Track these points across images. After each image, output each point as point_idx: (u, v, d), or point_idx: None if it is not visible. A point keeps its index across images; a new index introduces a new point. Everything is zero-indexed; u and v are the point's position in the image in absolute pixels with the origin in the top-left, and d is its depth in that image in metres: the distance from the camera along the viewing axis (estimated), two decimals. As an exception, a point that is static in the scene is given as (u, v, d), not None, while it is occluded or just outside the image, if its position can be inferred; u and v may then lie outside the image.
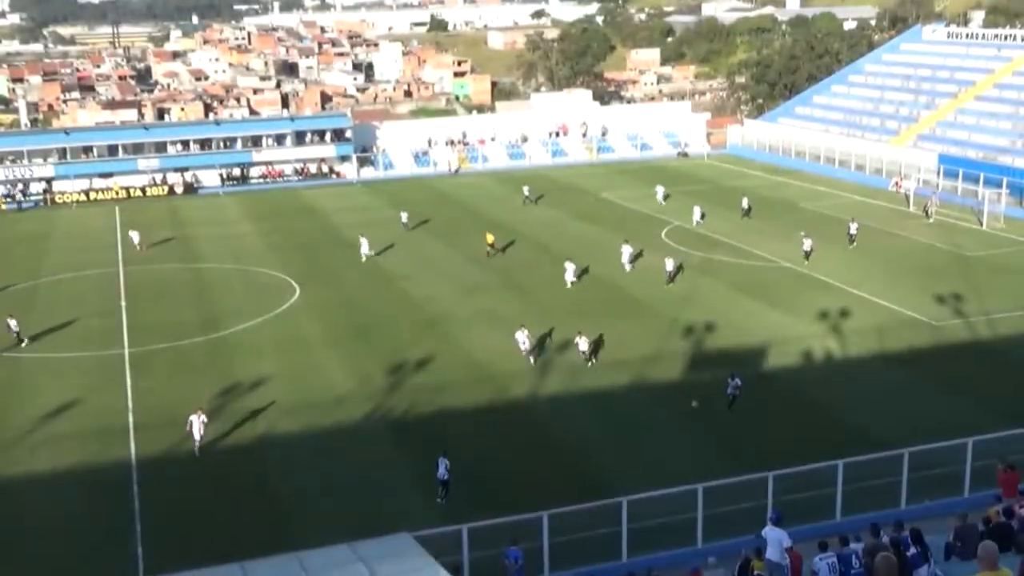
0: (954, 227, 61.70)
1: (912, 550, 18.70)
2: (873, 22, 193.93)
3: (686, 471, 28.85)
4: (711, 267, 53.82)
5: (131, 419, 35.82)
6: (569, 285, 50.42)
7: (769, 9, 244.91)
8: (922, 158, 74.77)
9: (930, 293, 47.16)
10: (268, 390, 38.11)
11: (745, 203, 66.12)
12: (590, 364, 39.30)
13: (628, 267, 52.94)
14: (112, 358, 42.31)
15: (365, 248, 57.32)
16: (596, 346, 40.41)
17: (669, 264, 50.80)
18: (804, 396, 36.38)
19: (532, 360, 39.90)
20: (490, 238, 57.63)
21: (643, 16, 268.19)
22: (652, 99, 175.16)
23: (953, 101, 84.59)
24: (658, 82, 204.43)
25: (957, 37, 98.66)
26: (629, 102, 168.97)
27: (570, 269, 50.88)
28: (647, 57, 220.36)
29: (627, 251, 53.32)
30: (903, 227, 61.87)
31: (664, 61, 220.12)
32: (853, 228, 56.63)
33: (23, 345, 43.83)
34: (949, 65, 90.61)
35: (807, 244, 53.54)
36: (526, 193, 73.90)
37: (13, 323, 44.16)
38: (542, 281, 51.82)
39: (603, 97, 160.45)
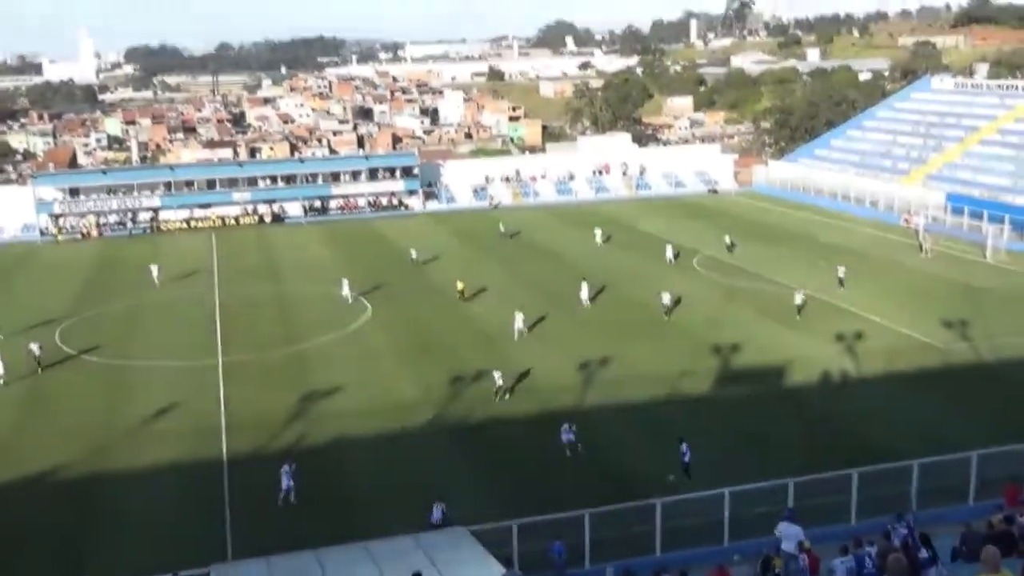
0: (960, 259, 60.54)
1: (922, 553, 18.34)
2: (886, 73, 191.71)
3: (714, 476, 28.50)
4: (737, 293, 53.31)
5: (223, 421, 36.21)
6: (585, 304, 50.13)
7: (792, 62, 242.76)
8: (931, 196, 73.58)
9: (938, 319, 46.24)
10: (341, 397, 38.35)
11: (728, 239, 64.70)
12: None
13: (586, 303, 50.72)
14: (208, 367, 42.84)
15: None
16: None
17: (666, 298, 48.87)
18: (822, 410, 35.83)
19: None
20: (460, 285, 53.41)
21: (678, 68, 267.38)
22: (685, 142, 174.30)
23: (960, 145, 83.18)
24: (691, 126, 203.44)
25: (963, 87, 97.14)
26: (665, 144, 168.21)
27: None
28: (681, 104, 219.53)
29: (585, 288, 51.26)
30: (913, 258, 60.84)
31: (696, 108, 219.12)
32: (841, 272, 53.44)
33: (40, 372, 42.26)
34: (956, 112, 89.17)
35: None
36: (501, 229, 73.15)
37: (36, 348, 42.90)
38: (594, 302, 51.61)
39: (641, 139, 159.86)
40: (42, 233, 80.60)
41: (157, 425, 36.01)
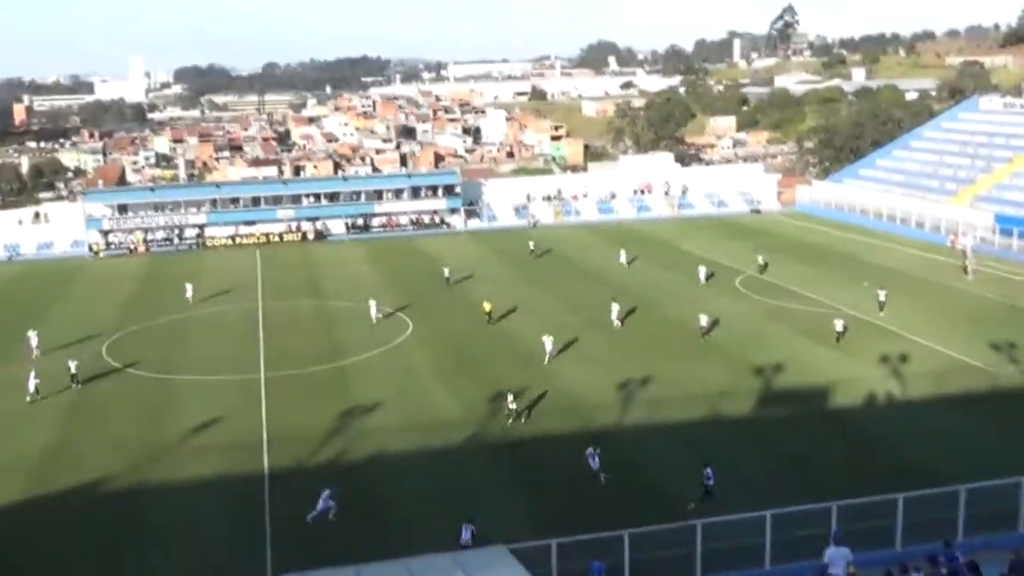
0: (1008, 281, 59.47)
1: (969, 580, 17.96)
2: (933, 93, 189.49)
3: (756, 498, 28.18)
4: (780, 313, 52.80)
5: (265, 435, 36.50)
6: (615, 325, 49.88)
7: (836, 81, 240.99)
8: (979, 218, 72.45)
9: (985, 341, 45.42)
10: (381, 414, 38.50)
11: (760, 260, 64.43)
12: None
13: (617, 324, 50.36)
14: (250, 381, 43.25)
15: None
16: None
17: (703, 319, 48.31)
18: (866, 432, 35.32)
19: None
20: (487, 307, 52.66)
21: (721, 87, 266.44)
22: (728, 161, 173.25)
23: (1008, 166, 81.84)
24: (734, 146, 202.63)
25: (1012, 107, 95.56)
26: (707, 164, 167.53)
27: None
28: (724, 124, 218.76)
29: (615, 308, 50.96)
30: (960, 280, 59.87)
31: (739, 127, 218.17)
32: (881, 296, 51.97)
33: (75, 387, 42.49)
34: (1005, 132, 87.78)
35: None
36: (531, 247, 72.98)
37: (72, 365, 43.07)
38: (627, 322, 51.42)
39: (684, 159, 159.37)
40: (91, 249, 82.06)
41: (200, 439, 36.39)
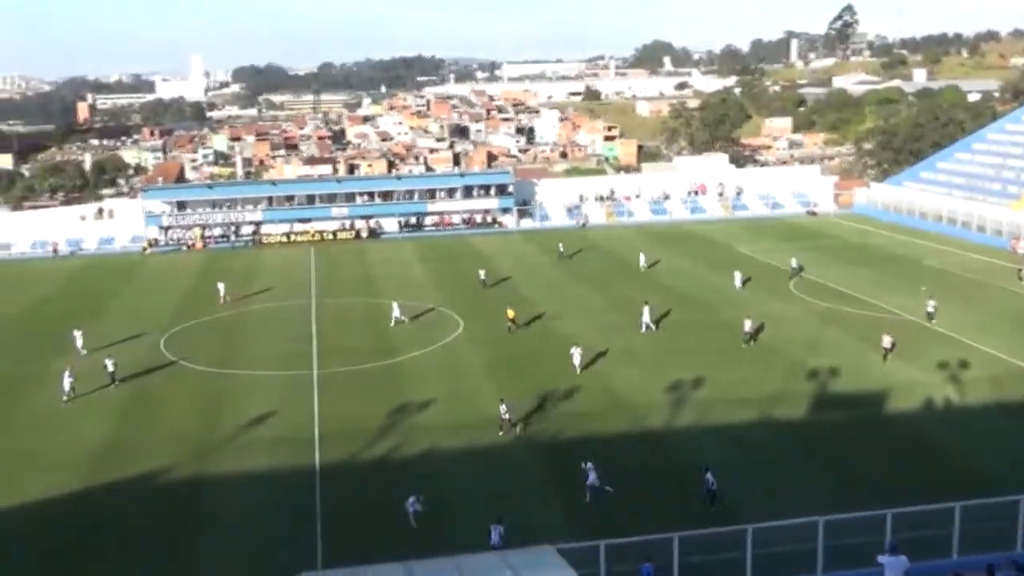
0: (1073, 287, 57.98)
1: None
2: (997, 94, 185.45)
3: (808, 503, 27.83)
4: (836, 317, 52.04)
5: (316, 430, 36.91)
6: (644, 328, 49.35)
7: (896, 82, 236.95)
8: (1043, 221, 70.76)
9: (1048, 348, 44.34)
10: (432, 411, 38.71)
11: (794, 263, 63.28)
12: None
13: (650, 327, 49.68)
14: (303, 377, 43.76)
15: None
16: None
17: (747, 324, 47.33)
18: (923, 439, 34.65)
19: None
20: (511, 313, 51.16)
21: (777, 88, 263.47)
22: (784, 163, 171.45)
23: (1074, 168, 79.80)
24: (789, 147, 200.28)
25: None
26: (762, 165, 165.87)
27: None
28: (780, 125, 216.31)
29: (647, 312, 50.29)
30: (1021, 286, 58.48)
31: (796, 129, 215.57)
32: (931, 306, 50.13)
33: (113, 387, 42.54)
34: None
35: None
36: (560, 249, 72.65)
37: (110, 364, 43.18)
38: (675, 324, 51.09)
39: (738, 160, 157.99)
40: (152, 244, 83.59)
41: (254, 432, 36.92)
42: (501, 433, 35.52)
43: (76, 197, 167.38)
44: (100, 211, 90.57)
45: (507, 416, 35.70)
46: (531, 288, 61.42)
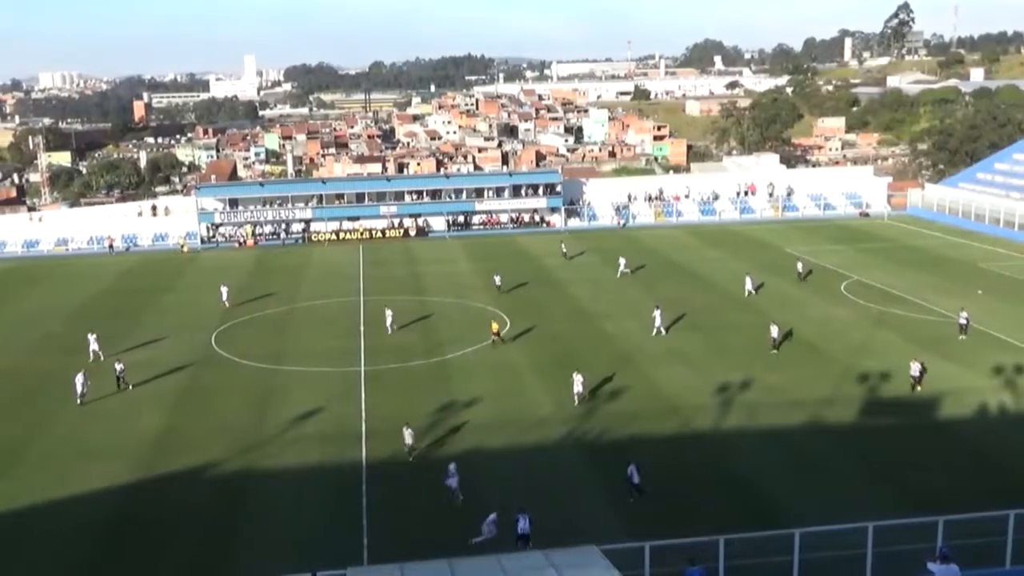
0: None
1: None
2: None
3: (857, 509, 27.45)
4: (888, 320, 51.23)
5: (363, 427, 37.20)
6: (655, 331, 48.64)
7: (953, 81, 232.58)
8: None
9: (1109, 355, 43.23)
10: (479, 408, 38.81)
11: (800, 267, 62.39)
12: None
13: (660, 331, 48.79)
14: (351, 374, 44.13)
15: (496, 280, 60.04)
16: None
17: (774, 331, 46.17)
18: (977, 445, 33.97)
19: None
20: (495, 327, 48.84)
21: (830, 87, 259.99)
22: (836, 163, 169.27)
23: None
24: (842, 148, 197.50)
25: None
26: (814, 166, 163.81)
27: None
28: (832, 125, 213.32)
29: (658, 314, 49.26)
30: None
31: (849, 129, 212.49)
32: (963, 317, 47.17)
33: (120, 389, 41.83)
34: None
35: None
36: (563, 249, 72.20)
37: (119, 367, 42.49)
38: (724, 325, 50.66)
39: (789, 161, 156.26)
40: (203, 241, 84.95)
41: (302, 428, 37.31)
42: (411, 458, 33.43)
43: (131, 194, 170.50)
44: (154, 208, 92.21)
45: (410, 442, 33.73)
46: (578, 287, 61.28)
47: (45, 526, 29.55)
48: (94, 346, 47.23)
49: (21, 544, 28.51)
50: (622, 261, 65.03)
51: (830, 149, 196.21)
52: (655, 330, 48.92)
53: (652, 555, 23.16)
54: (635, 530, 26.96)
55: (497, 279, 61.16)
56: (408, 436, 33.84)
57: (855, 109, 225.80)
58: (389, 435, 35.74)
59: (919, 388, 39.13)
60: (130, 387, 42.28)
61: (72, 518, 30.10)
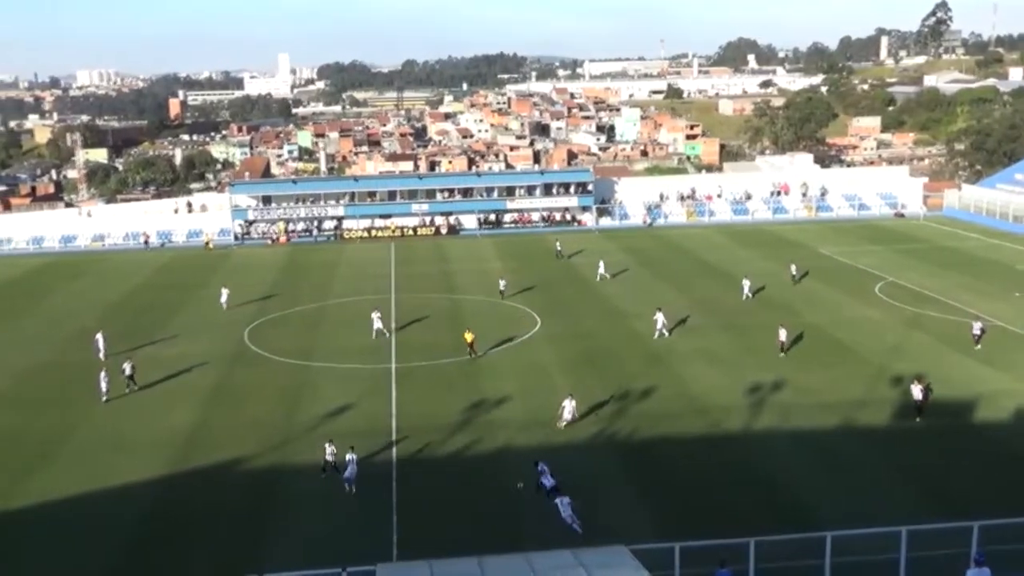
0: None
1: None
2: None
3: (889, 513, 27.16)
4: (923, 322, 50.64)
5: (393, 424, 37.33)
6: (657, 335, 48.15)
7: (991, 81, 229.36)
8: None
9: None
10: (508, 407, 38.82)
11: (794, 269, 61.58)
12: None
13: (664, 334, 48.28)
14: (381, 371, 44.31)
15: (501, 285, 58.49)
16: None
17: (782, 334, 45.21)
18: (1013, 449, 33.48)
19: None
20: (469, 337, 46.24)
21: (866, 86, 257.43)
22: (871, 163, 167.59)
23: None
24: (877, 147, 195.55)
25: None
26: (849, 166, 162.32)
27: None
28: (868, 124, 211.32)
29: (660, 317, 48.65)
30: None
31: (884, 128, 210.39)
32: (976, 328, 45.60)
33: (129, 390, 41.53)
34: None
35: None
36: (558, 248, 72.48)
37: (127, 367, 42.17)
38: (756, 325, 50.28)
39: (823, 160, 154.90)
40: (236, 238, 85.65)
41: (332, 424, 37.48)
42: (324, 476, 32.26)
43: (167, 191, 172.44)
44: (189, 205, 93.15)
45: (329, 459, 32.37)
46: (610, 285, 61.15)
47: (80, 518, 29.91)
48: (101, 344, 47.02)
49: (57, 536, 28.88)
50: (602, 264, 64.14)
51: (865, 149, 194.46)
52: (657, 333, 48.35)
53: (681, 556, 23.05)
54: (664, 530, 26.86)
55: (502, 283, 59.50)
56: (328, 453, 32.33)
57: (891, 108, 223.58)
58: (419, 432, 35.87)
59: (920, 417, 35.95)
60: (136, 388, 41.87)
61: (106, 511, 30.44)
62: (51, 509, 30.66)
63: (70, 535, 28.87)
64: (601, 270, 63.77)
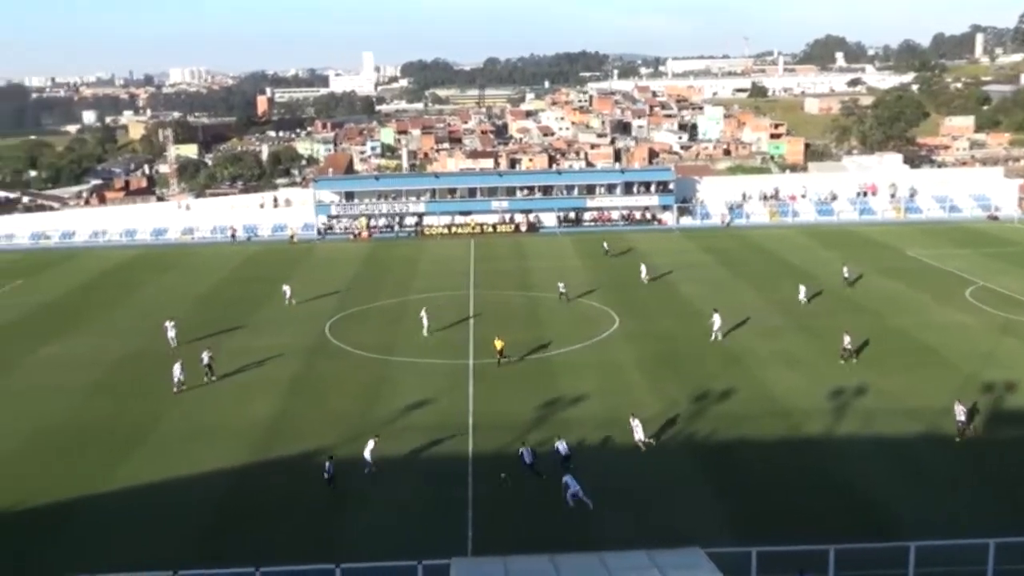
0: None
1: None
2: None
3: (974, 525, 26.34)
4: (1015, 328, 48.93)
5: (470, 420, 37.56)
6: (714, 337, 47.44)
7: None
8: None
9: None
10: (584, 406, 38.73)
11: (846, 271, 59.82)
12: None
13: (719, 336, 47.48)
14: (459, 367, 44.61)
15: (561, 288, 57.44)
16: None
17: (846, 340, 43.98)
18: (1110, 464, 32.16)
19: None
20: (499, 344, 44.88)
21: (959, 85, 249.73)
22: (963, 164, 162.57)
23: None
24: (970, 148, 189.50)
25: None
26: (940, 166, 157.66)
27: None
28: (961, 124, 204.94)
29: (717, 319, 47.86)
30: None
31: (978, 128, 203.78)
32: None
33: (206, 381, 42.44)
34: None
35: None
36: (605, 247, 72.28)
37: (206, 356, 43.11)
38: (838, 329, 49.13)
39: (913, 161, 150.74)
40: (319, 232, 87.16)
41: (410, 418, 37.92)
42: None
43: (254, 186, 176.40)
44: (275, 200, 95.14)
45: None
46: (690, 285, 60.56)
47: (162, 504, 30.82)
48: (171, 333, 48.55)
49: (141, 521, 29.79)
50: (644, 268, 63.08)
51: (957, 149, 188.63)
52: (713, 336, 47.64)
53: (759, 561, 22.73)
54: (740, 533, 26.53)
55: (561, 286, 58.15)
56: (328, 468, 31.69)
57: (986, 108, 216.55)
58: (496, 429, 36.03)
59: (966, 433, 34.05)
60: (214, 378, 42.84)
61: (186, 497, 31.29)
62: (137, 494, 31.63)
63: (154, 519, 29.72)
64: (643, 273, 62.68)
